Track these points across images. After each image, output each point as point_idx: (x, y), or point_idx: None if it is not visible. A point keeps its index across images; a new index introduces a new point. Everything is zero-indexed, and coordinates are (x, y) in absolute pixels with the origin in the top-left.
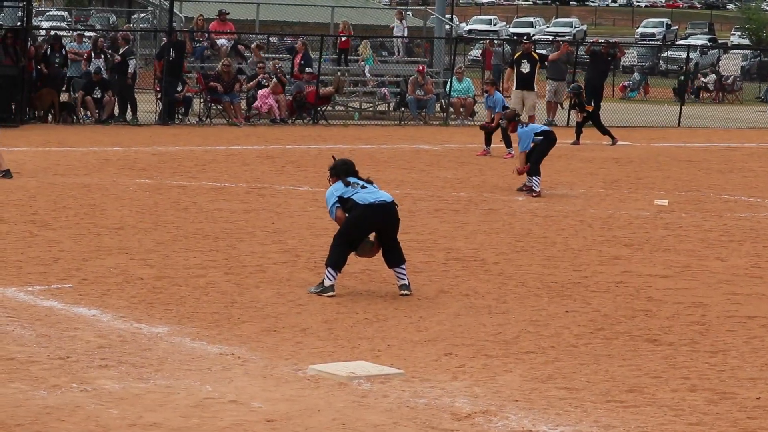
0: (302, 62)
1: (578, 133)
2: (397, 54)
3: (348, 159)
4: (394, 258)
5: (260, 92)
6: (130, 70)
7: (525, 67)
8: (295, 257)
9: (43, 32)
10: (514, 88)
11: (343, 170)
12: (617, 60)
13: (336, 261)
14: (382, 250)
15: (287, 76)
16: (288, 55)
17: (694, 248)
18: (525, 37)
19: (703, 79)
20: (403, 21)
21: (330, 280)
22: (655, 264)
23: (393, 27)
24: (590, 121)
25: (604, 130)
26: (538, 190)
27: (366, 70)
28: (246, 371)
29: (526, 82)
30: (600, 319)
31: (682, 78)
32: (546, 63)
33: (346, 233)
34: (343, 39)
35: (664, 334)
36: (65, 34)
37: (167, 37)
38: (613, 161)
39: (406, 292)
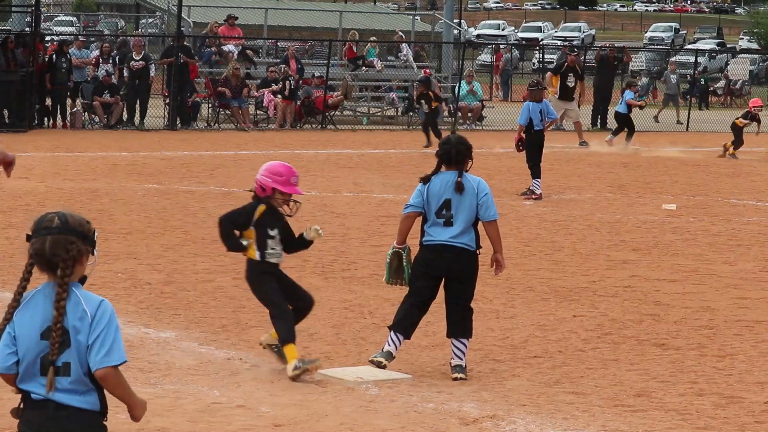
0: (299, 67)
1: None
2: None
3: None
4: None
5: (266, 94)
6: (152, 74)
7: (570, 81)
8: (303, 262)
9: (50, 38)
10: (557, 97)
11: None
12: (625, 64)
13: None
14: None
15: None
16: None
17: (702, 252)
18: (573, 51)
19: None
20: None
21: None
22: (662, 268)
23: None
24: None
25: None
26: (538, 192)
27: (375, 62)
28: (254, 376)
29: (569, 94)
30: (607, 324)
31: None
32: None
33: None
34: (353, 49)
35: (672, 338)
36: (69, 38)
37: (175, 42)
38: (621, 165)
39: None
